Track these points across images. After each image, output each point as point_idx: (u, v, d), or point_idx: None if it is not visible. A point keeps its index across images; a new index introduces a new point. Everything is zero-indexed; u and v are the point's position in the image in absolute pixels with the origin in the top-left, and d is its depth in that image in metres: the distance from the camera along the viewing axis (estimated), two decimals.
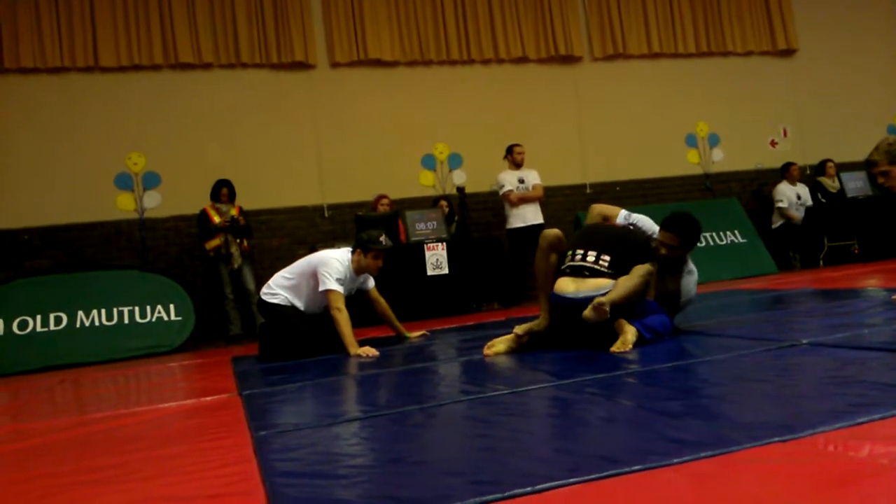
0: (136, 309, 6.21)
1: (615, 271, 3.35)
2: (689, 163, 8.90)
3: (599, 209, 3.89)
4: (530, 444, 1.83)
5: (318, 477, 1.68)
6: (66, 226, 6.83)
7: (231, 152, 7.29)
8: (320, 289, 4.27)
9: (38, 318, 5.94)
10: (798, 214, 8.27)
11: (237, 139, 7.36)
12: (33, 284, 6.15)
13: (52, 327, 5.94)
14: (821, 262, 7.97)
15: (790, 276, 6.97)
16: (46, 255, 6.73)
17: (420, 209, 7.16)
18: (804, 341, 2.79)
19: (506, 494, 1.41)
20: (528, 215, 7.16)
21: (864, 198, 8.11)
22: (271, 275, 4.70)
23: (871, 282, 5.43)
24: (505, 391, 2.49)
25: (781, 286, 5.80)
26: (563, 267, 3.48)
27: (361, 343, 4.18)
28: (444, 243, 6.71)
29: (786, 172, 8.49)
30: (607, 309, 3.09)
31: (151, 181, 7.11)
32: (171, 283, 6.47)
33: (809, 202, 8.37)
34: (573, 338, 3.38)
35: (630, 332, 3.17)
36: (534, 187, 7.23)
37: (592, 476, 1.46)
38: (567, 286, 3.36)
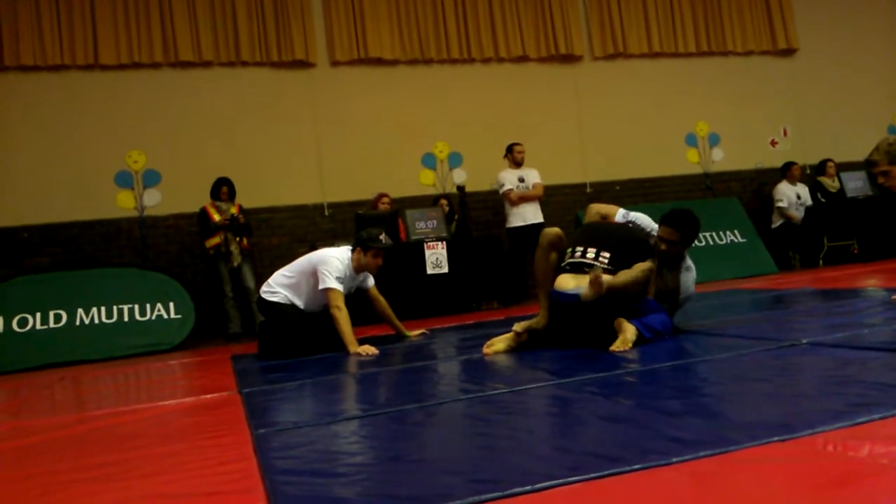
0: (136, 307, 6.20)
1: (615, 267, 3.36)
2: (689, 162, 8.90)
3: (598, 208, 3.90)
4: (530, 442, 1.83)
5: (317, 475, 1.68)
6: (66, 223, 6.83)
7: (231, 150, 7.29)
8: (320, 287, 4.27)
9: (38, 315, 5.94)
10: (798, 214, 8.27)
11: (237, 137, 7.36)
12: (33, 282, 6.15)
13: (51, 325, 5.94)
14: (820, 262, 7.97)
15: (790, 276, 6.97)
16: (46, 252, 6.73)
17: (420, 208, 7.16)
18: (804, 341, 2.79)
19: (505, 493, 1.41)
20: (528, 214, 7.16)
21: (863, 198, 8.11)
22: (271, 273, 4.70)
23: (871, 282, 5.44)
24: (504, 390, 2.49)
25: (781, 286, 5.80)
26: (563, 264, 3.49)
27: (361, 341, 4.19)
28: (444, 242, 6.71)
29: (787, 172, 8.50)
30: (602, 281, 3.10)
31: (151, 179, 7.11)
32: (171, 281, 6.47)
33: (809, 202, 8.37)
34: (573, 335, 3.39)
35: (630, 331, 3.17)
36: (534, 186, 7.23)
37: (592, 475, 1.46)
38: (567, 283, 3.37)
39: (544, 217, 7.18)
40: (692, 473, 1.44)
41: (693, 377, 2.47)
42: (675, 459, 1.50)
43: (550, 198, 7.73)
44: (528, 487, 1.42)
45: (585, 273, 3.36)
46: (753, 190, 9.00)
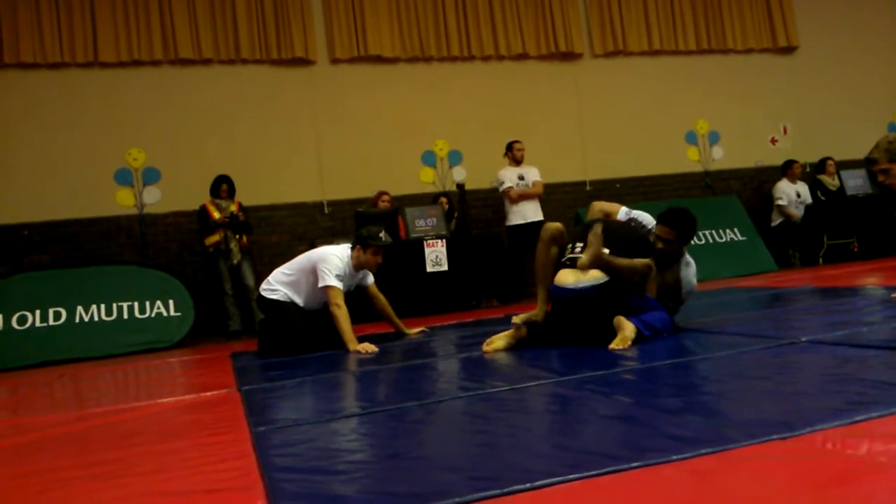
0: (136, 304, 6.20)
1: None
2: (689, 160, 8.89)
3: (600, 206, 3.91)
4: (529, 440, 1.83)
5: (316, 472, 1.68)
6: (65, 221, 6.82)
7: (231, 148, 7.28)
8: (320, 285, 4.27)
9: (38, 313, 5.94)
10: (797, 212, 8.26)
11: (237, 135, 7.35)
12: (32, 279, 6.14)
13: (51, 322, 5.94)
14: (820, 260, 7.97)
15: (789, 274, 6.97)
16: (46, 250, 6.73)
17: (420, 206, 7.16)
18: (803, 339, 2.79)
19: (504, 491, 1.41)
20: (528, 212, 7.15)
21: (863, 196, 8.11)
22: (271, 271, 4.70)
23: (871, 280, 5.44)
24: (504, 388, 2.49)
25: (781, 284, 5.80)
26: (563, 259, 3.50)
27: (361, 339, 4.19)
28: (444, 240, 6.71)
29: (787, 170, 8.49)
30: (601, 236, 3.21)
31: (151, 177, 7.10)
32: (171, 278, 6.47)
33: (809, 200, 8.37)
34: (572, 330, 3.39)
35: (629, 329, 3.17)
36: (534, 184, 7.22)
37: (591, 472, 1.46)
38: (567, 278, 3.38)
39: (544, 215, 7.17)
40: (692, 471, 1.44)
41: (692, 375, 2.47)
42: (674, 457, 1.50)
43: (550, 196, 7.73)
44: (527, 485, 1.42)
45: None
46: (753, 188, 9.00)
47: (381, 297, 4.64)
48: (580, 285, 3.30)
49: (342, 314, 4.18)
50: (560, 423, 2.06)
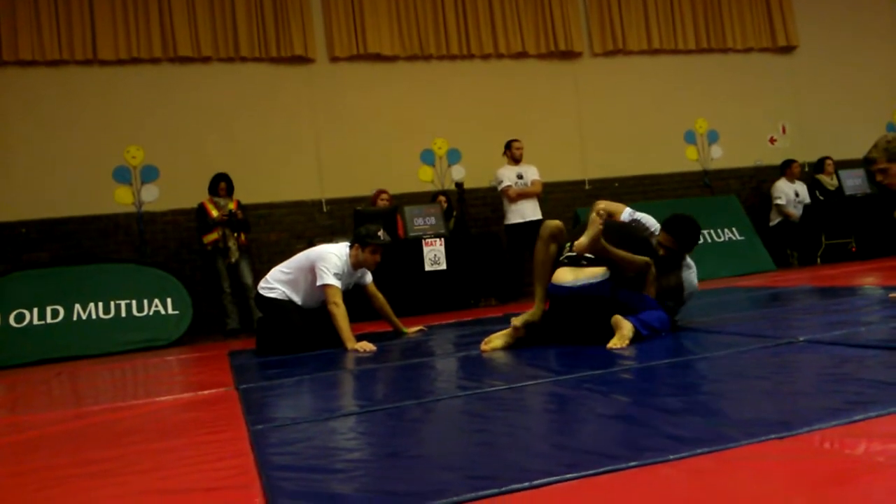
0: (134, 302, 6.20)
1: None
2: (688, 159, 8.90)
3: (604, 205, 3.90)
4: (527, 439, 1.83)
5: (314, 471, 1.67)
6: (64, 219, 6.82)
7: (230, 146, 7.28)
8: (318, 283, 4.27)
9: (36, 310, 5.93)
10: (796, 212, 8.27)
11: (236, 133, 7.34)
12: (31, 277, 6.14)
13: (49, 320, 5.93)
14: (818, 260, 7.98)
15: (788, 274, 6.97)
16: (44, 248, 6.72)
17: (419, 204, 7.15)
18: (801, 338, 2.80)
19: (502, 490, 1.41)
20: (527, 211, 7.15)
21: (862, 195, 8.12)
22: (269, 269, 4.70)
23: (869, 280, 5.44)
24: (502, 387, 2.49)
25: (779, 283, 5.80)
26: (561, 258, 3.50)
27: (359, 338, 4.19)
28: (443, 239, 6.70)
29: (785, 170, 8.50)
30: (603, 219, 3.24)
31: (150, 175, 7.10)
32: (169, 276, 6.46)
33: (807, 200, 8.38)
34: (570, 328, 3.39)
35: (627, 329, 3.17)
36: (532, 183, 7.22)
37: (589, 472, 1.46)
38: (565, 276, 3.38)
39: (543, 214, 7.16)
40: (690, 471, 1.44)
41: (691, 374, 2.47)
42: (672, 457, 1.50)
43: (549, 194, 7.72)
44: (525, 484, 1.42)
45: (583, 266, 3.37)
46: (752, 187, 9.00)
47: (380, 296, 4.63)
48: (578, 283, 3.30)
49: (340, 313, 4.18)
50: (558, 423, 2.06)
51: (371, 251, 4.34)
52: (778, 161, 8.76)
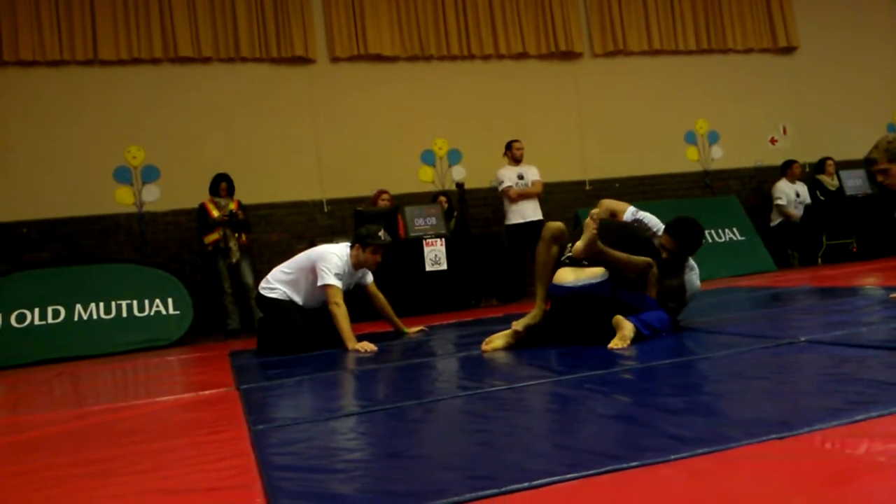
0: (135, 303, 6.20)
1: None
2: (688, 160, 8.89)
3: (608, 204, 3.90)
4: (528, 439, 1.83)
5: (315, 471, 1.68)
6: (64, 219, 6.82)
7: (230, 146, 7.28)
8: (319, 283, 4.27)
9: (37, 311, 5.93)
10: (797, 212, 8.27)
11: (236, 133, 7.35)
12: (31, 277, 6.14)
13: (50, 320, 5.93)
14: (819, 260, 7.97)
15: (788, 274, 6.97)
16: (45, 248, 6.72)
17: (419, 204, 7.15)
18: (802, 339, 2.79)
19: (503, 490, 1.41)
20: (528, 211, 7.15)
21: (862, 196, 8.11)
22: (270, 269, 4.70)
23: (870, 280, 5.44)
24: (503, 387, 2.49)
25: (780, 284, 5.80)
26: (562, 258, 3.50)
27: (360, 338, 4.19)
28: (443, 239, 6.70)
29: (786, 170, 8.50)
30: (598, 221, 3.24)
31: (150, 175, 7.10)
32: (170, 276, 6.47)
33: (808, 200, 8.37)
34: (571, 329, 3.39)
35: (627, 329, 3.17)
36: (533, 183, 7.22)
37: (590, 472, 1.46)
38: (566, 276, 3.38)
39: (543, 215, 7.17)
40: (690, 471, 1.44)
41: (692, 375, 2.47)
42: (673, 457, 1.50)
43: (550, 195, 7.73)
44: (525, 484, 1.42)
45: (584, 266, 3.37)
46: (753, 188, 9.00)
47: (381, 296, 4.63)
48: (579, 283, 3.31)
49: (341, 313, 4.18)
50: (559, 423, 2.06)
51: (372, 251, 4.34)
52: (778, 161, 8.75)
